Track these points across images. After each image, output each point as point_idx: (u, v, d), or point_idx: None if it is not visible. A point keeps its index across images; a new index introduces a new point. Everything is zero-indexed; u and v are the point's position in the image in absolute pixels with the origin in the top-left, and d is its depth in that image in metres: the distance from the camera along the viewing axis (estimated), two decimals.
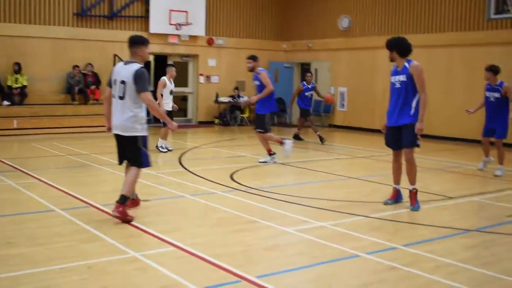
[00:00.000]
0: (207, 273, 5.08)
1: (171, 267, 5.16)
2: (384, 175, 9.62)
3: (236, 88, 21.06)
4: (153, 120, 16.10)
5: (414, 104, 7.46)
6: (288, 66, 22.39)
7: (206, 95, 21.06)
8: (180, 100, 21.25)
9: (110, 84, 6.97)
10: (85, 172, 10.31)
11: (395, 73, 7.62)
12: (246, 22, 21.91)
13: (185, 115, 21.40)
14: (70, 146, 13.63)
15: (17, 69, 16.93)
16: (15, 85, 16.89)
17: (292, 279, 5.05)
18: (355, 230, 6.57)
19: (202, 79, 21.04)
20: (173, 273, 5.00)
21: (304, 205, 7.82)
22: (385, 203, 7.87)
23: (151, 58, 21.06)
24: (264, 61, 22.10)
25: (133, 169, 6.90)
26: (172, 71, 13.08)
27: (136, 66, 6.71)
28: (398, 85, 7.54)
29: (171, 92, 12.89)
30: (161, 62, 20.95)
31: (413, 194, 7.64)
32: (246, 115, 21.20)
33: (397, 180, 7.92)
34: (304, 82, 16.07)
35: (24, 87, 17.02)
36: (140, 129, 6.80)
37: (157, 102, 12.52)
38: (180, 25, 19.78)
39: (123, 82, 6.70)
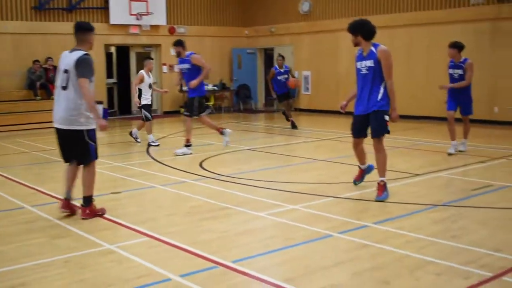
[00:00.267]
0: (183, 261, 5.13)
1: (146, 257, 5.19)
2: (351, 156, 9.73)
3: None
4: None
5: (382, 90, 7.12)
6: (251, 52, 22.40)
7: (170, 84, 20.94)
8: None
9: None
10: (51, 168, 10.20)
11: (361, 58, 7.24)
12: (208, 10, 21.83)
13: (150, 106, 21.21)
14: (35, 142, 13.47)
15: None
16: None
17: (268, 262, 5.13)
18: (326, 211, 6.68)
19: (165, 69, 20.95)
20: (149, 263, 5.03)
21: (275, 189, 7.90)
22: (355, 183, 7.92)
23: (113, 50, 20.91)
24: (227, 47, 22.14)
25: (87, 167, 6.60)
26: (149, 63, 13.01)
27: (80, 53, 6.35)
28: (365, 71, 7.16)
29: (150, 86, 12.81)
30: (123, 54, 20.81)
31: (381, 186, 7.25)
32: (211, 102, 21.19)
33: (362, 161, 7.82)
34: (276, 66, 15.77)
35: None
36: (85, 122, 6.39)
37: (136, 95, 12.61)
38: (140, 15, 19.62)
39: (66, 71, 6.35)
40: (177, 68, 11.56)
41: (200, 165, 9.90)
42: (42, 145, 12.86)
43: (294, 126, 15.29)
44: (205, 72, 11.22)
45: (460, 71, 10.30)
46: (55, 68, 17.99)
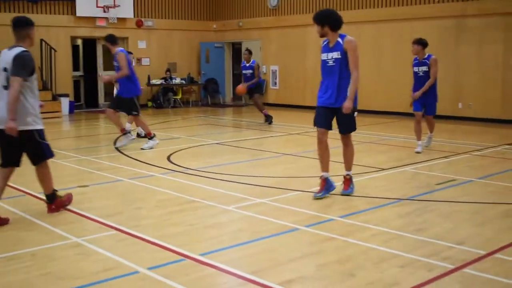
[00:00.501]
0: (150, 254, 5.14)
1: (114, 250, 5.19)
2: (309, 151, 9.82)
3: (168, 70, 20.92)
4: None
5: (350, 84, 6.85)
6: (218, 46, 22.38)
7: (138, 78, 20.78)
8: (111, 84, 20.93)
9: None
10: None
11: (327, 49, 6.93)
12: (176, 3, 21.73)
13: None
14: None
15: None
16: None
17: (235, 255, 5.17)
18: (293, 204, 6.75)
19: (133, 62, 20.75)
20: (117, 256, 5.04)
21: (242, 183, 7.94)
22: (315, 197, 7.00)
23: (79, 42, 20.68)
24: (195, 41, 22.07)
25: (41, 167, 6.33)
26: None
27: (19, 49, 5.96)
28: (331, 63, 6.87)
29: None
30: (90, 46, 20.59)
31: (348, 180, 7.24)
32: (179, 96, 21.13)
33: (326, 166, 7.12)
34: (244, 61, 15.56)
35: None
36: (31, 122, 6.04)
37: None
38: (107, 7, 19.43)
39: (5, 69, 5.94)
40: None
41: (168, 158, 9.89)
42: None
43: (268, 119, 15.16)
44: (120, 74, 10.77)
45: (424, 68, 10.22)
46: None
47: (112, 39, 11.02)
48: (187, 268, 4.79)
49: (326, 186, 7.08)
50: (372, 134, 12.91)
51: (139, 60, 20.79)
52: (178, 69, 21.62)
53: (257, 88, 15.53)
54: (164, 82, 20.79)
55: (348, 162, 7.26)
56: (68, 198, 6.62)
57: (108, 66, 20.52)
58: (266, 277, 4.55)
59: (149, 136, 11.14)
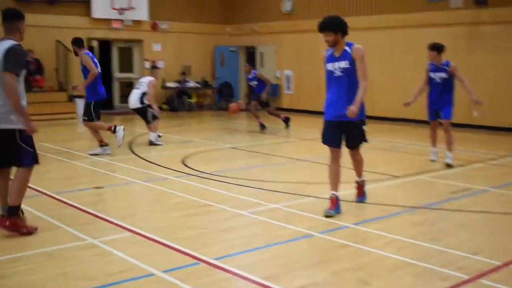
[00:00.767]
0: (165, 257, 5.16)
1: (129, 252, 5.22)
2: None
3: (183, 73, 21.00)
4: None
5: None
6: (233, 50, 22.42)
7: (158, 78, 20.82)
8: (126, 86, 21.07)
9: None
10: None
11: (333, 59, 6.54)
12: (191, 6, 21.78)
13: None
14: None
15: None
16: None
17: (249, 260, 5.18)
18: (307, 210, 6.75)
19: (147, 65, 20.87)
20: (132, 258, 5.06)
21: (256, 188, 7.96)
22: (327, 214, 6.52)
23: (95, 44, 20.79)
24: (210, 45, 22.13)
25: (18, 173, 5.72)
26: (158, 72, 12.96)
27: (11, 42, 5.59)
28: (339, 73, 6.47)
29: None
30: (105, 48, 20.71)
31: (361, 186, 7.18)
32: (193, 100, 21.19)
33: (335, 185, 6.69)
34: (246, 74, 15.19)
35: None
36: (15, 121, 5.56)
37: (150, 103, 12.00)
38: (122, 9, 19.53)
39: None
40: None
41: (183, 162, 9.92)
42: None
43: (263, 128, 14.84)
44: (90, 76, 10.36)
45: (443, 75, 9.75)
46: (36, 60, 17.87)
47: (77, 42, 10.79)
48: (201, 271, 4.81)
49: (337, 205, 6.63)
50: (386, 140, 12.87)
51: (154, 63, 20.86)
52: (192, 73, 21.68)
53: (256, 96, 15.04)
54: (178, 85, 20.86)
55: (358, 169, 7.13)
56: (30, 228, 5.73)
57: (123, 68, 20.67)
58: (279, 283, 4.55)
59: (100, 143, 10.77)
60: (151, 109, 12.07)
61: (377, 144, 12.04)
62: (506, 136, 14.06)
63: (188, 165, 9.59)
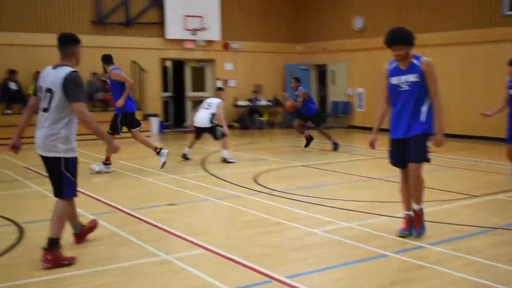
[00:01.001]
0: (238, 274, 5.18)
1: (202, 269, 5.27)
2: None
3: (255, 91, 21.18)
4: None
5: (425, 109, 6.13)
6: (304, 68, 22.45)
7: (224, 99, 21.13)
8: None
9: (35, 92, 5.70)
10: (109, 178, 10.47)
11: (398, 72, 6.20)
12: (261, 26, 22.01)
13: None
14: (93, 152, 13.80)
15: (38, 77, 17.17)
16: None
17: (322, 279, 5.12)
18: (381, 230, 6.62)
19: (219, 84, 21.17)
20: (205, 274, 5.11)
21: (328, 206, 7.89)
22: (400, 235, 6.32)
23: (168, 64, 21.28)
24: (281, 63, 22.25)
25: (58, 203, 5.56)
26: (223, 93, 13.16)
27: (67, 70, 5.45)
28: (405, 87, 6.12)
29: None
30: (178, 68, 21.18)
31: (419, 216, 6.34)
32: (264, 118, 21.30)
33: (407, 204, 6.45)
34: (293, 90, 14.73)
35: None
36: (63, 149, 5.44)
37: (221, 124, 12.19)
38: (195, 30, 19.94)
39: (49, 90, 5.43)
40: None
41: (254, 180, 9.96)
42: (101, 156, 13.13)
43: (308, 142, 14.62)
44: (128, 87, 10.69)
45: None
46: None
47: (106, 59, 11.12)
48: None
49: (412, 225, 6.39)
50: (462, 159, 12.52)
51: (225, 82, 21.16)
52: (264, 91, 21.83)
53: (314, 118, 14.64)
54: (250, 104, 21.04)
55: (415, 193, 6.32)
56: (70, 259, 5.49)
57: (196, 87, 21.06)
58: None
59: (107, 160, 10.99)
60: (219, 127, 12.23)
61: (453, 163, 11.73)
62: None
63: (260, 183, 9.62)
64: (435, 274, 5.18)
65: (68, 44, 5.63)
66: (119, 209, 7.73)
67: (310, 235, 6.50)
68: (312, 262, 5.55)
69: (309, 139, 14.67)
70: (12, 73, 16.88)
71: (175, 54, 20.27)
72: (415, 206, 6.35)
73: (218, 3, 20.44)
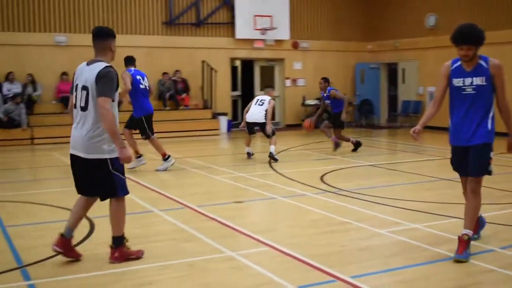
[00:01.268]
0: (302, 273, 5.18)
1: (266, 266, 5.30)
2: None
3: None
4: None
5: (491, 115, 5.65)
6: (374, 67, 22.18)
7: (293, 98, 21.21)
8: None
9: (72, 91, 5.50)
10: (178, 175, 10.67)
11: (462, 73, 5.67)
12: (331, 24, 21.89)
13: (273, 119, 21.57)
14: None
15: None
16: None
17: (386, 280, 5.06)
18: (449, 232, 6.46)
19: (288, 83, 21.20)
20: (269, 272, 5.14)
21: (395, 207, 7.78)
22: (473, 239, 5.78)
23: (238, 63, 21.47)
24: (350, 62, 22.06)
25: (113, 203, 5.49)
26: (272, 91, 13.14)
27: (102, 65, 5.26)
28: (470, 90, 5.60)
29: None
30: (247, 67, 21.33)
31: (464, 242, 5.54)
32: None
33: (469, 223, 5.75)
34: (322, 91, 14.04)
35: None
36: (108, 150, 5.28)
37: (267, 121, 12.19)
38: (265, 29, 20.03)
39: (84, 87, 5.25)
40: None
41: (321, 179, 9.93)
42: (170, 153, 13.40)
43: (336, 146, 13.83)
44: (123, 90, 10.38)
45: None
46: (183, 80, 18.79)
47: (127, 60, 11.06)
48: None
49: (479, 225, 6.04)
50: None
51: (294, 81, 21.16)
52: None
53: (335, 116, 13.82)
54: (318, 103, 20.94)
55: (470, 217, 5.71)
56: (137, 253, 5.59)
57: (265, 86, 21.13)
58: None
59: (163, 157, 11.05)
60: (270, 126, 12.34)
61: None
62: None
63: (327, 182, 9.58)
64: (506, 279, 5.03)
65: (105, 38, 5.43)
66: (187, 205, 7.87)
67: (376, 235, 6.43)
68: (377, 263, 5.49)
69: (337, 144, 13.82)
70: None
71: (244, 53, 20.42)
72: (465, 230, 5.61)
73: (287, 2, 20.47)
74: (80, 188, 5.52)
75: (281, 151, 13.69)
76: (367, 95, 21.90)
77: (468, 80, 5.64)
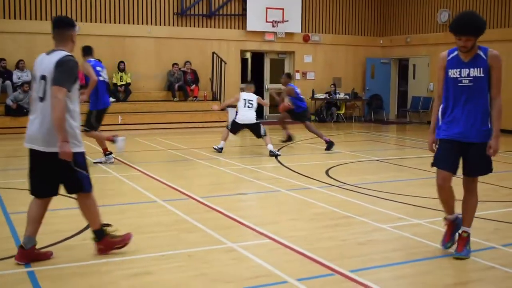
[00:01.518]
0: (301, 266, 5.18)
1: (266, 258, 5.29)
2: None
3: (333, 85, 21.01)
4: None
5: (489, 111, 5.29)
6: (385, 62, 22.07)
7: (302, 91, 20.94)
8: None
9: (31, 82, 5.28)
10: (184, 166, 10.69)
11: (459, 64, 5.29)
12: (342, 18, 21.80)
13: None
14: (171, 141, 14.13)
15: (122, 67, 17.76)
16: (119, 83, 17.74)
17: (386, 275, 5.04)
18: None
19: (298, 76, 21.14)
20: (268, 264, 5.13)
21: (400, 202, 7.75)
22: (445, 247, 5.60)
23: (248, 55, 21.43)
24: (361, 57, 21.97)
25: (81, 200, 5.26)
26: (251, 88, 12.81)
27: (62, 53, 5.02)
28: (467, 82, 5.24)
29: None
30: (257, 60, 21.29)
31: (464, 239, 5.49)
32: (342, 111, 21.12)
33: (451, 208, 5.64)
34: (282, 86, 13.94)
35: (128, 84, 17.83)
36: (73, 144, 4.97)
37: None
38: (276, 22, 19.97)
39: (43, 77, 4.99)
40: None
41: (327, 172, 9.91)
42: (178, 144, 13.46)
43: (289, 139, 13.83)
44: (90, 84, 9.97)
45: None
46: (193, 71, 18.79)
47: (85, 50, 10.39)
48: (335, 283, 4.76)
49: (453, 231, 5.61)
50: None
51: (304, 74, 21.11)
52: (343, 84, 21.63)
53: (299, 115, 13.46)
54: (328, 97, 20.90)
55: (469, 215, 5.57)
56: (123, 239, 5.43)
57: (274, 79, 21.12)
58: None
59: (105, 152, 10.59)
60: (262, 125, 12.25)
61: None
62: None
63: (332, 176, 9.56)
64: (506, 276, 5.00)
65: (66, 28, 5.18)
66: (190, 196, 7.88)
67: (378, 230, 6.41)
68: (377, 257, 5.47)
69: (289, 138, 13.79)
70: None
71: (255, 46, 20.38)
72: (464, 227, 5.54)
73: None
74: (36, 188, 5.14)
75: (288, 144, 13.66)
76: (377, 90, 21.80)
77: (465, 71, 5.27)
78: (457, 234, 5.60)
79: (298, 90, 13.36)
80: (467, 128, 5.28)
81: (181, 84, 18.48)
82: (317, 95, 20.84)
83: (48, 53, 5.12)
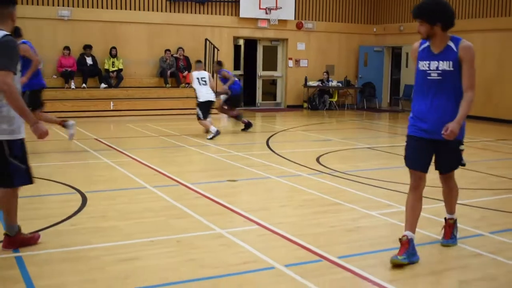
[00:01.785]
0: (289, 252, 5.20)
1: (254, 244, 5.32)
2: (473, 162, 9.35)
3: (326, 72, 21.00)
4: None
5: (458, 106, 4.88)
6: (378, 50, 22.06)
7: (295, 79, 21.13)
8: (269, 84, 21.48)
9: None
10: (175, 152, 10.68)
11: (429, 56, 4.96)
12: (336, 6, 21.73)
13: (274, 99, 21.61)
14: (163, 127, 14.11)
15: (114, 53, 17.68)
16: (111, 69, 17.66)
17: (373, 261, 5.07)
18: (440, 215, 6.42)
19: (291, 63, 21.11)
20: (256, 250, 5.16)
21: (389, 189, 7.78)
22: (394, 260, 4.89)
23: (241, 42, 21.37)
24: (354, 45, 21.94)
25: (4, 191, 4.85)
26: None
27: (1, 33, 4.64)
28: (435, 76, 4.87)
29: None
30: (250, 47, 21.23)
31: (451, 225, 5.51)
32: (335, 99, 21.12)
33: (412, 224, 5.12)
34: None
35: (120, 70, 17.76)
36: (7, 131, 4.64)
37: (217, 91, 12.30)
38: (269, 9, 19.90)
39: None
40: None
41: (317, 160, 9.93)
42: (169, 131, 13.44)
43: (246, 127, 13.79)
44: (33, 66, 9.66)
45: None
46: (185, 58, 18.72)
47: (16, 32, 9.59)
48: (323, 269, 4.79)
49: (410, 249, 4.96)
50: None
51: (297, 62, 21.07)
52: (335, 72, 21.62)
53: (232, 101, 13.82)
54: (320, 84, 20.89)
55: (452, 202, 5.54)
56: (33, 238, 5.18)
57: (267, 66, 21.09)
58: (403, 287, 4.42)
59: (62, 124, 10.39)
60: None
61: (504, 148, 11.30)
62: None
63: (322, 163, 9.58)
64: (493, 263, 5.04)
65: (5, 5, 4.82)
66: (180, 182, 7.88)
67: (367, 217, 6.44)
68: (365, 244, 5.50)
69: (248, 125, 13.76)
70: (88, 48, 17.35)
71: (248, 32, 20.31)
72: (448, 215, 5.56)
73: None
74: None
75: (281, 131, 13.68)
76: (370, 78, 21.80)
77: (433, 64, 4.91)
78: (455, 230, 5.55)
79: (231, 73, 13.84)
80: (435, 125, 4.90)
81: (174, 71, 18.42)
82: (310, 83, 20.82)
83: None
